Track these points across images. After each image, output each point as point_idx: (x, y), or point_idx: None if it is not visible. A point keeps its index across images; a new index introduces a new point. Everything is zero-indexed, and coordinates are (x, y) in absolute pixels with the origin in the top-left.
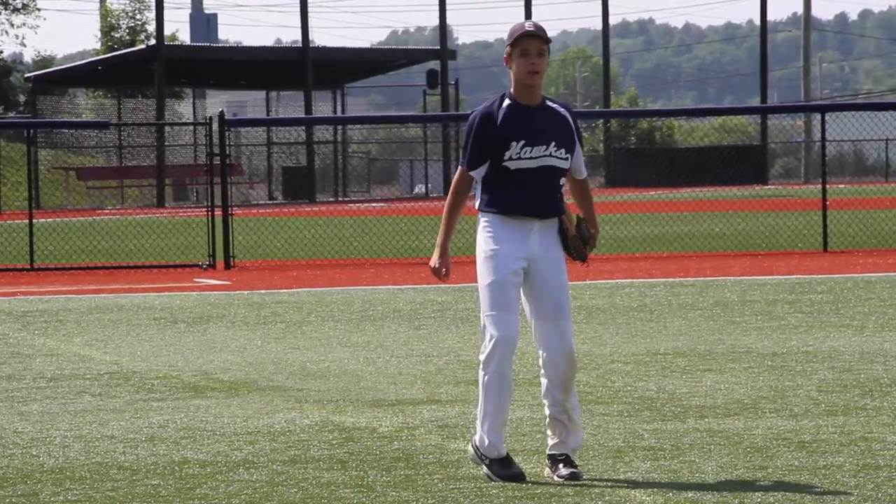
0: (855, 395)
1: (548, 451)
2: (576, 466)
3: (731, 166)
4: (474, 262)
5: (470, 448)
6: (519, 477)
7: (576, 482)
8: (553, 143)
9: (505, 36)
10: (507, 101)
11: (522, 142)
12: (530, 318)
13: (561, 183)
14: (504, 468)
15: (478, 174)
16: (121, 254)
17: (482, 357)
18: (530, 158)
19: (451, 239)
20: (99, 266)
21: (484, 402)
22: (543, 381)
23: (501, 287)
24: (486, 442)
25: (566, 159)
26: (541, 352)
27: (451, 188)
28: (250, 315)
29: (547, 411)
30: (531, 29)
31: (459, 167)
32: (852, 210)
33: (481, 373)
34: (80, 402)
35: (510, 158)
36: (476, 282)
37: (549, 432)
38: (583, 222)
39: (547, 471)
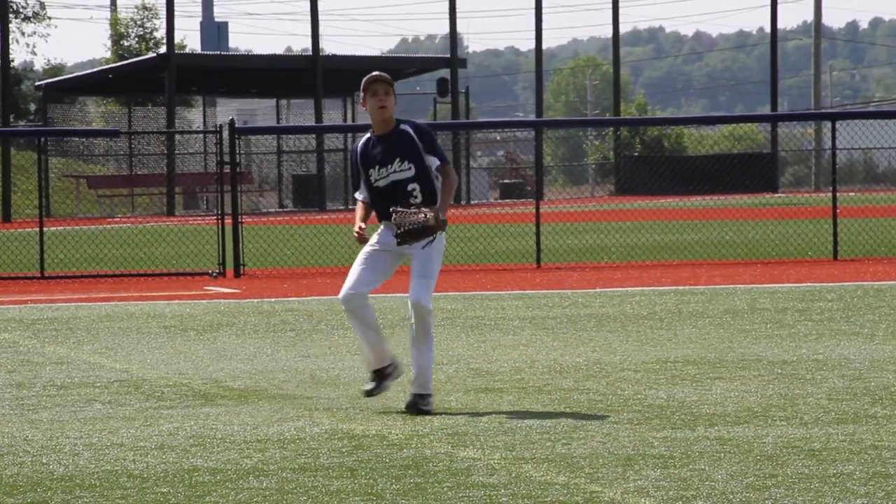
0: (865, 404)
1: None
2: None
3: (742, 174)
4: (477, 271)
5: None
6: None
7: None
8: (397, 160)
9: (515, 44)
10: (367, 135)
11: (377, 166)
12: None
13: (410, 189)
14: None
15: (360, 195)
16: (131, 262)
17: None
18: (383, 178)
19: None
20: (109, 274)
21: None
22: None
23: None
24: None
25: (409, 168)
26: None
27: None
28: (260, 323)
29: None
30: (376, 73)
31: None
32: (863, 218)
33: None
34: (90, 409)
35: (374, 181)
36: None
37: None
38: (435, 219)
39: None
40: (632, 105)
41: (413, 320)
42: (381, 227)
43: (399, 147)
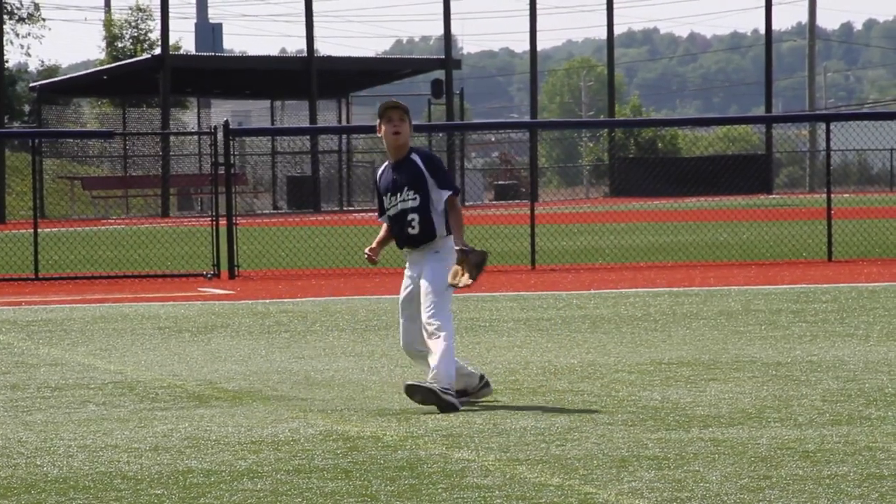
0: (859, 405)
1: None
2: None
3: (736, 176)
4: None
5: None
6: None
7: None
8: (405, 188)
9: (510, 45)
10: (385, 163)
11: (389, 194)
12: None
13: (410, 218)
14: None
15: (382, 218)
16: (125, 263)
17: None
18: (394, 207)
19: (383, 242)
20: (103, 275)
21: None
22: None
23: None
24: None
25: (415, 199)
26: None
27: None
28: (254, 324)
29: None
30: (392, 101)
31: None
32: (857, 219)
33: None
34: (85, 411)
35: (387, 207)
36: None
37: None
38: (465, 254)
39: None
40: (626, 106)
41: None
42: (406, 259)
43: (408, 176)
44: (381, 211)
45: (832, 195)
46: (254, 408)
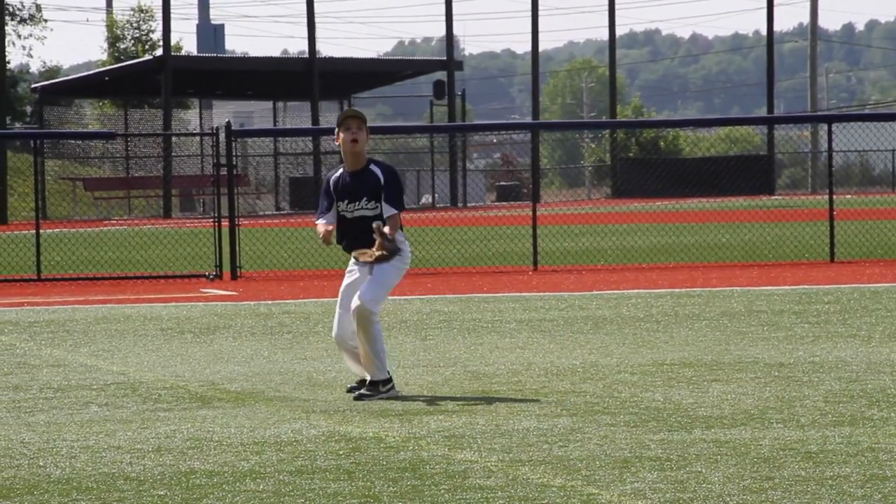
0: (862, 406)
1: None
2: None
3: (738, 177)
4: (474, 274)
5: (365, 392)
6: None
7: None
8: (364, 199)
9: (511, 46)
10: (340, 170)
11: (346, 201)
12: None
13: (375, 225)
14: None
15: (322, 219)
16: (127, 264)
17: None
18: (350, 212)
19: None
20: (106, 276)
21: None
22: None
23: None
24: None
25: (375, 208)
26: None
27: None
28: (257, 325)
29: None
30: (351, 110)
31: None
32: (859, 220)
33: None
34: (87, 412)
35: (341, 211)
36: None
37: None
38: (385, 238)
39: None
40: (628, 107)
41: (354, 318)
42: (351, 260)
43: (367, 187)
44: (324, 212)
45: (834, 196)
46: (256, 409)
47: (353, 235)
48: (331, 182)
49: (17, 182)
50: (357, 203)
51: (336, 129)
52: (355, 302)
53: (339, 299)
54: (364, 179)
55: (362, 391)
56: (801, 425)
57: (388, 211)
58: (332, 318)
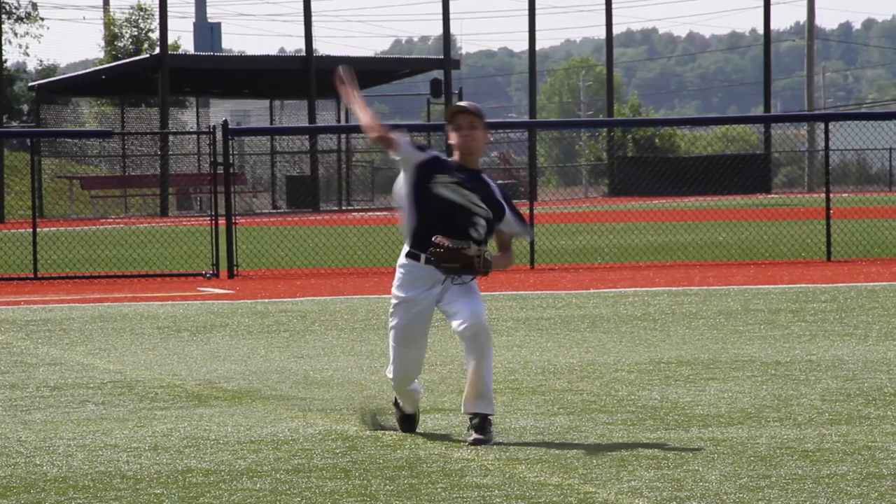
0: (858, 404)
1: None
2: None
3: (735, 175)
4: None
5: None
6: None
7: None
8: (477, 196)
9: (508, 45)
10: (442, 155)
11: (454, 181)
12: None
13: (475, 221)
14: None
15: (405, 151)
16: (124, 263)
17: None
18: (456, 193)
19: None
20: (102, 275)
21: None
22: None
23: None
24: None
25: (488, 212)
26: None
27: (384, 131)
28: (254, 324)
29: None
30: (461, 104)
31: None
32: (856, 219)
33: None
34: (84, 410)
35: (441, 182)
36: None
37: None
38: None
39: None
40: (625, 106)
41: (470, 338)
42: (408, 268)
43: (481, 189)
44: (404, 139)
45: (831, 195)
46: (253, 407)
47: (452, 221)
48: (435, 153)
49: (14, 180)
50: (469, 193)
51: (447, 126)
52: (474, 322)
53: (402, 336)
54: (477, 181)
55: (478, 436)
56: (797, 424)
57: (521, 232)
58: (331, 317)
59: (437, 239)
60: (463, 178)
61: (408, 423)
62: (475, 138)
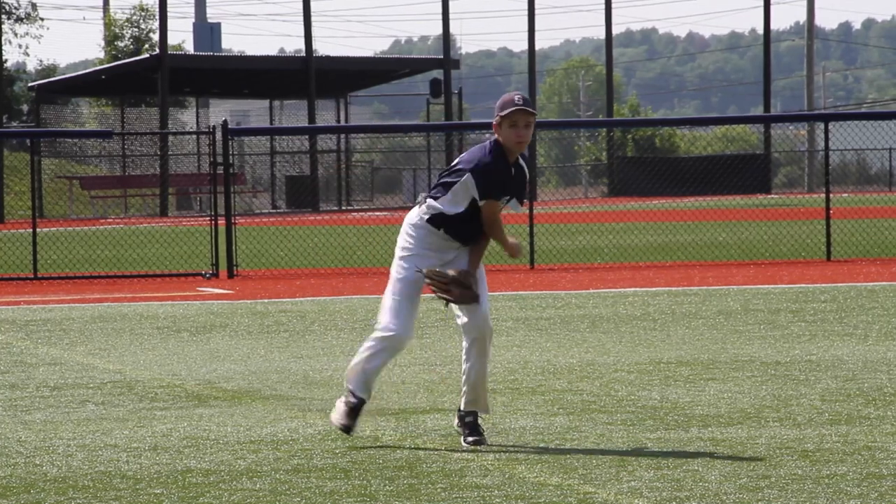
0: (858, 405)
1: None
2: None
3: (735, 175)
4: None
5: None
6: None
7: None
8: (508, 196)
9: (508, 45)
10: (500, 159)
11: (506, 197)
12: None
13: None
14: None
15: (451, 209)
16: (124, 263)
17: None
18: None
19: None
20: (102, 275)
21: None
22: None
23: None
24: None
25: (506, 204)
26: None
27: (493, 224)
28: (253, 324)
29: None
30: (521, 104)
31: (488, 201)
32: (856, 219)
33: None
34: (84, 411)
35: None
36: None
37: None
38: (459, 274)
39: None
40: (625, 106)
41: (477, 338)
42: (427, 230)
43: (519, 182)
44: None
45: (831, 195)
46: (253, 407)
47: (475, 226)
48: (493, 172)
49: (14, 181)
50: (507, 199)
51: (497, 116)
52: (481, 324)
53: (409, 290)
54: (519, 172)
55: (476, 437)
56: (797, 424)
57: (516, 208)
58: (331, 317)
59: (438, 280)
60: (511, 189)
61: (354, 415)
62: (529, 139)
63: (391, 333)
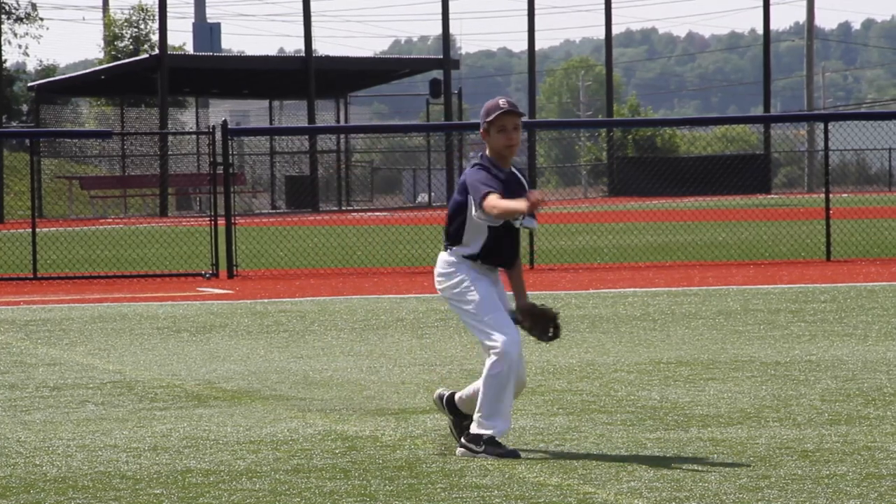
0: (858, 405)
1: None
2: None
3: (734, 176)
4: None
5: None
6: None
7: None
8: None
9: (508, 45)
10: (492, 168)
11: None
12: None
13: (512, 241)
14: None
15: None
16: (124, 263)
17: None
18: (508, 220)
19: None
20: (102, 275)
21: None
22: None
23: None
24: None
25: (531, 221)
26: None
27: (496, 203)
28: (253, 324)
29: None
30: (506, 107)
31: (489, 195)
32: (855, 219)
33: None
34: (84, 411)
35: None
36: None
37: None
38: (548, 311)
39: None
40: (624, 106)
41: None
42: (464, 266)
43: (520, 194)
44: (498, 190)
45: (830, 195)
46: (252, 407)
47: (505, 247)
48: (495, 174)
49: (14, 181)
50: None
51: (484, 123)
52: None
53: (490, 304)
54: (517, 183)
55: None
56: (797, 424)
57: (531, 224)
58: (330, 317)
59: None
60: (511, 189)
61: (498, 444)
62: (518, 141)
63: (501, 362)
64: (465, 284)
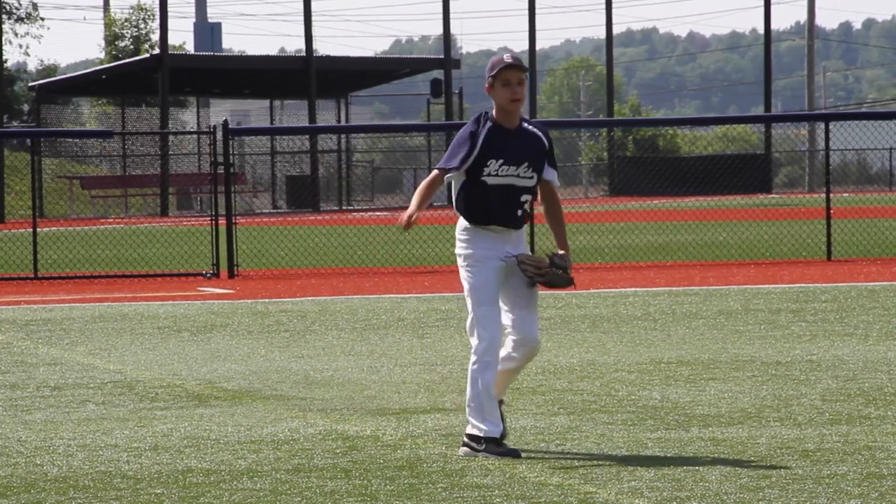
0: (859, 404)
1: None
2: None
3: (735, 175)
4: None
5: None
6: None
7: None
8: (525, 164)
9: (509, 45)
10: (489, 123)
11: (501, 160)
12: (507, 309)
13: (524, 199)
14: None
15: (448, 164)
16: (125, 263)
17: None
18: (499, 177)
19: (418, 204)
20: (103, 275)
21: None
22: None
23: (485, 286)
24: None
25: (532, 178)
26: (514, 336)
27: (427, 182)
28: (254, 324)
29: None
30: (510, 61)
31: (435, 170)
32: (856, 219)
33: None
34: (84, 410)
35: (489, 174)
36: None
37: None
38: (554, 256)
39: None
40: (625, 106)
41: (521, 355)
42: (485, 237)
43: (531, 150)
44: (460, 164)
45: (831, 195)
46: (253, 407)
47: (502, 206)
48: (483, 133)
49: (15, 180)
50: (514, 168)
51: (489, 77)
52: (533, 347)
53: (485, 292)
54: (525, 140)
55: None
56: (798, 424)
57: (552, 176)
58: (331, 317)
59: (526, 265)
60: (512, 153)
61: (499, 443)
62: (523, 96)
63: (475, 354)
64: (470, 262)
